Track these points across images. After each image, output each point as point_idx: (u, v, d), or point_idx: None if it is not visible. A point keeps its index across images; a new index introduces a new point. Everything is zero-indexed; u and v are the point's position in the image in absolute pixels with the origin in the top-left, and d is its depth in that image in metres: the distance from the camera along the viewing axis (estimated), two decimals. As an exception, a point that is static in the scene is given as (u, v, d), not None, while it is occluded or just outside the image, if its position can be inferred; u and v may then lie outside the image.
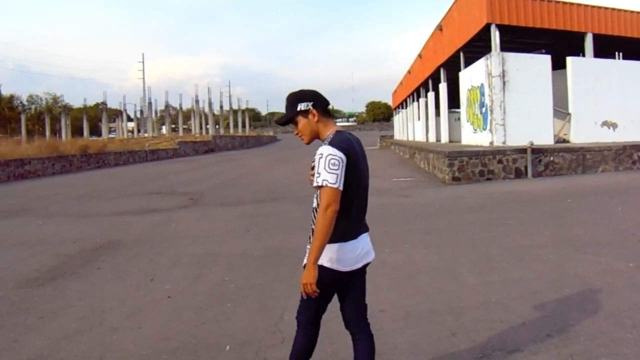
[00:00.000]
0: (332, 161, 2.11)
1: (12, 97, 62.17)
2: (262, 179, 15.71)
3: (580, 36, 15.71)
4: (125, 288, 4.65)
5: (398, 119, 46.10)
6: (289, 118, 2.29)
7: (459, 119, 22.84)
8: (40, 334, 3.63)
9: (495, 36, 14.42)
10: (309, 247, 2.21)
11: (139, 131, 53.05)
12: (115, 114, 60.61)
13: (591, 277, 4.35)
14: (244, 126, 65.60)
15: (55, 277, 5.11)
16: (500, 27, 14.60)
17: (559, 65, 15.57)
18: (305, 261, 2.21)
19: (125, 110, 54.94)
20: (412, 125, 34.19)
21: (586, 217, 7.22)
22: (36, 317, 3.98)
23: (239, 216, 8.57)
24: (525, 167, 12.46)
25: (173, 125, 56.66)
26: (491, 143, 14.43)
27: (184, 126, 57.72)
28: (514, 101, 14.25)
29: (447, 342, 3.18)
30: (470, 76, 16.69)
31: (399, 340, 3.23)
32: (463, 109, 17.98)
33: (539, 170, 12.58)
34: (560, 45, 17.35)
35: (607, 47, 16.60)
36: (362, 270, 2.33)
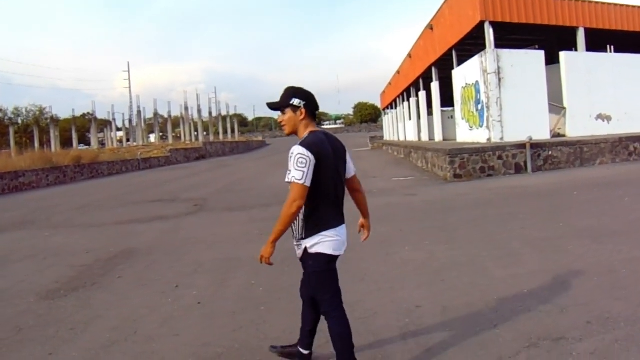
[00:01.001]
0: (300, 160, 2.37)
1: (-2, 111, 61.24)
2: (261, 183, 15.66)
3: (572, 31, 15.93)
4: (151, 296, 4.60)
5: (387, 120, 46.24)
6: (281, 106, 2.58)
7: (451, 117, 23.02)
8: (75, 345, 3.57)
9: (490, 33, 14.56)
10: (295, 243, 2.64)
11: (127, 140, 52.52)
12: (104, 124, 60.00)
13: (616, 266, 4.41)
14: (232, 132, 65.50)
15: (77, 287, 5.04)
16: (493, 24, 14.76)
17: (552, 60, 15.80)
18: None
19: (114, 119, 54.42)
20: (403, 125, 34.31)
21: (595, 208, 7.31)
22: (67, 328, 3.91)
23: (248, 220, 8.53)
24: (525, 162, 12.60)
25: (161, 134, 56.22)
26: (489, 140, 14.55)
27: (173, 134, 57.33)
28: (509, 97, 14.41)
29: (490, 334, 3.20)
30: (464, 74, 16.81)
31: (443, 335, 3.25)
32: (457, 107, 18.08)
33: (538, 165, 12.72)
34: (552, 41, 17.58)
35: (598, 41, 16.87)
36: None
